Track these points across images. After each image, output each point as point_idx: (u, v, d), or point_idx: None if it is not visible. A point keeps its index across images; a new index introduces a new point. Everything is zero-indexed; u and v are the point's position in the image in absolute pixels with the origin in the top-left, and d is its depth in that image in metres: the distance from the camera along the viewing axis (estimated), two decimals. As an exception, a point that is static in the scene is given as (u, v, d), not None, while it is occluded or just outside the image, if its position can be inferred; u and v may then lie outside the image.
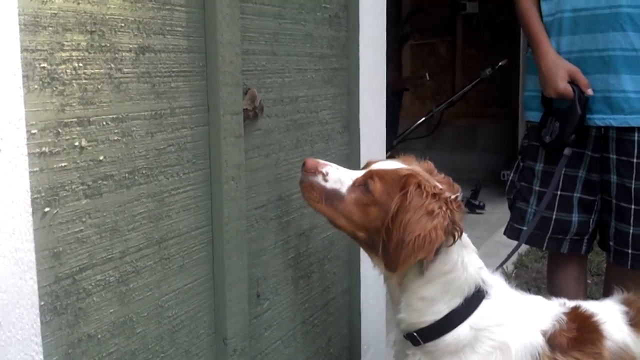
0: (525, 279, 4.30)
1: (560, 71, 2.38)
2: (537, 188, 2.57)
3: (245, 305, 1.72)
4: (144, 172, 1.41)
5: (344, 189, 1.63)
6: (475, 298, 1.61)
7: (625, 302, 1.79)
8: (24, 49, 1.12)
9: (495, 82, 6.67)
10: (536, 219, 2.45)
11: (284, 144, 1.91)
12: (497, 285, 1.67)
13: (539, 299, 1.76)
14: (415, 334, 1.63)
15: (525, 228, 2.60)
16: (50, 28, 1.18)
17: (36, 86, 1.16)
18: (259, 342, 1.82)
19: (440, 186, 1.60)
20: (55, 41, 1.19)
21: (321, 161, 1.68)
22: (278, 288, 1.91)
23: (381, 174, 1.60)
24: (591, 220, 2.53)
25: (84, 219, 1.27)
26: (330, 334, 2.22)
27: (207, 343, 1.63)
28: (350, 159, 2.24)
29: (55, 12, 1.19)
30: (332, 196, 1.63)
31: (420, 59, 8.01)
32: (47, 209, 1.18)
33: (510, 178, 2.75)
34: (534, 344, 1.59)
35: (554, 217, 2.54)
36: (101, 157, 1.30)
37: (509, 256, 2.29)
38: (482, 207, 6.08)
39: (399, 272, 1.58)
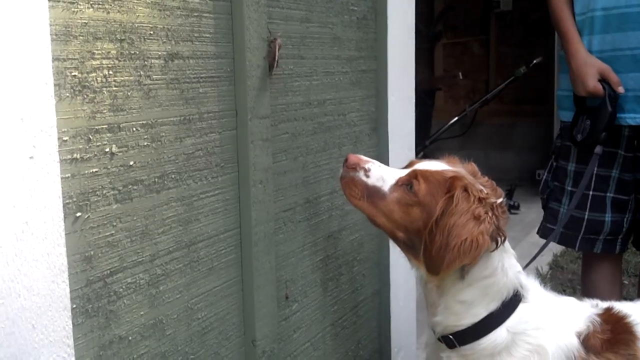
0: (560, 280, 4.25)
1: (590, 69, 2.36)
2: (570, 188, 2.55)
3: (274, 307, 1.74)
4: (173, 176, 1.44)
5: (386, 187, 1.61)
6: (513, 302, 1.60)
7: None
8: (55, 58, 1.15)
9: (530, 80, 6.58)
10: (565, 218, 2.43)
11: (311, 147, 1.92)
12: (534, 289, 1.66)
13: (572, 301, 1.75)
14: (451, 336, 1.62)
15: (557, 228, 2.58)
16: (81, 37, 1.21)
17: (67, 94, 1.19)
18: (288, 344, 1.84)
19: (486, 190, 1.58)
20: (86, 50, 1.22)
21: (364, 157, 1.66)
22: (307, 290, 1.92)
23: (426, 175, 1.58)
24: (625, 219, 2.50)
25: (114, 223, 1.30)
26: (359, 336, 2.22)
27: (236, 345, 1.65)
28: (378, 161, 2.24)
29: (86, 21, 1.22)
30: (374, 193, 1.61)
31: (453, 57, 7.94)
32: (78, 214, 1.22)
33: (544, 178, 2.73)
34: (569, 346, 1.58)
35: (586, 217, 2.51)
36: (131, 163, 1.33)
37: (537, 255, 2.27)
38: (517, 207, 6.02)
39: (440, 276, 1.56)
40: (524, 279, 1.65)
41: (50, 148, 1.12)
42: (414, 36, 2.37)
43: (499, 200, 1.58)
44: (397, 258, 2.21)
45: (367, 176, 1.63)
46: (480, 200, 1.52)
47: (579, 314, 1.66)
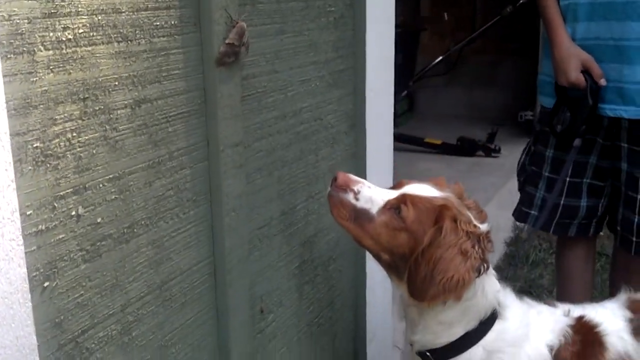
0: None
1: (573, 60, 2.34)
2: (547, 174, 2.57)
3: (249, 325, 1.76)
4: (142, 222, 1.42)
5: (374, 209, 1.61)
6: (490, 320, 1.65)
7: (630, 307, 1.82)
8: (15, 134, 1.11)
9: (516, 18, 6.45)
10: (547, 206, 2.46)
11: (287, 159, 1.90)
12: (511, 305, 1.71)
13: (546, 311, 1.78)
14: (428, 353, 1.68)
15: (533, 212, 2.62)
16: (41, 106, 1.16)
17: (29, 167, 1.15)
18: (264, 355, 1.87)
19: (474, 221, 1.60)
20: (47, 117, 1.18)
21: (353, 178, 1.64)
22: (282, 299, 1.95)
23: (415, 200, 1.58)
24: (600, 204, 2.56)
25: (83, 284, 1.29)
26: (336, 329, 2.27)
27: (211, 370, 1.69)
28: (356, 158, 2.23)
29: (46, 88, 1.17)
30: (361, 215, 1.61)
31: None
32: (46, 284, 1.21)
33: (522, 160, 2.76)
34: None
35: (562, 202, 2.56)
36: (99, 220, 1.31)
37: (524, 248, 2.32)
38: (498, 151, 6.03)
39: (424, 305, 1.60)
40: (502, 297, 1.69)
41: (13, 234, 1.10)
42: (393, 29, 2.31)
43: (485, 229, 1.60)
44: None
45: (357, 198, 1.62)
46: (468, 234, 1.54)
47: (552, 326, 1.72)
